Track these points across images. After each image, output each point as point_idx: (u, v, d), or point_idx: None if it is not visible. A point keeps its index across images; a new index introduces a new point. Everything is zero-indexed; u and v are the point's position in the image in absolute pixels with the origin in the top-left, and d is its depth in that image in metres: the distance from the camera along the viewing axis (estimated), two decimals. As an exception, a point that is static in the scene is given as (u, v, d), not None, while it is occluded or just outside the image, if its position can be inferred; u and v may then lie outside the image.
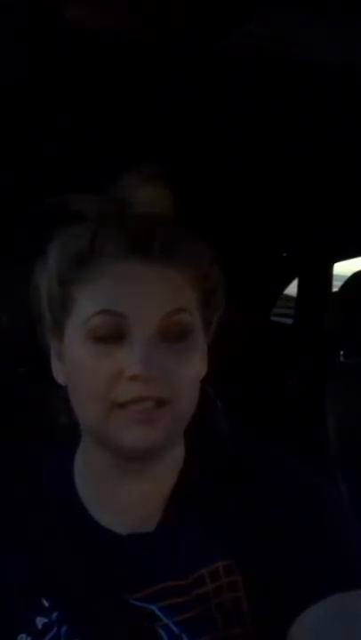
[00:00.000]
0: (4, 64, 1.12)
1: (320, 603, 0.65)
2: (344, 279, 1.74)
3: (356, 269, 1.68)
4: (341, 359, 1.79)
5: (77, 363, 0.71)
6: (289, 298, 2.78)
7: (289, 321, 2.79)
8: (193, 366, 0.72)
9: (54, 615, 0.74)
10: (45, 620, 0.73)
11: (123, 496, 0.75)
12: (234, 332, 0.78)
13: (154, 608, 0.72)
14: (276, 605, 0.68)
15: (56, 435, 0.82)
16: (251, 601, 0.71)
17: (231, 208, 1.98)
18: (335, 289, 2.26)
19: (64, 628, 0.73)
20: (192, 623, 0.70)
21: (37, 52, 1.09)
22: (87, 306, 0.70)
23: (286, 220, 2.19)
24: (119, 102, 1.29)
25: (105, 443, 0.72)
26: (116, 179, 0.74)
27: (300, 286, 2.64)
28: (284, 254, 2.60)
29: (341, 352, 1.80)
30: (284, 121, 1.43)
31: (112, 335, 0.69)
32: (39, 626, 0.73)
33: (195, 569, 0.72)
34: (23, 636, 0.74)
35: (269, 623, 0.69)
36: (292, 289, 2.72)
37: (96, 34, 1.04)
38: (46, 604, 0.74)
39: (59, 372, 0.76)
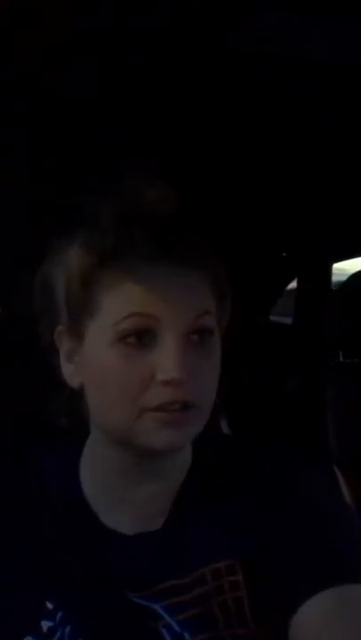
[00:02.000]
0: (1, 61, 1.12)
1: (318, 595, 0.66)
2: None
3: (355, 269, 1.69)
4: (341, 359, 1.79)
5: (104, 366, 0.70)
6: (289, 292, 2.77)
7: (288, 320, 2.79)
8: (215, 369, 0.72)
9: (58, 617, 0.74)
10: (50, 623, 0.74)
11: (133, 496, 0.76)
12: (233, 332, 0.78)
13: (157, 607, 0.72)
14: (278, 604, 0.68)
15: (57, 436, 0.82)
16: (252, 600, 0.71)
17: (230, 208, 1.98)
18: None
19: (68, 629, 0.73)
20: (194, 622, 0.71)
21: (35, 48, 1.09)
22: (116, 308, 0.69)
23: (286, 220, 2.19)
24: (119, 104, 1.29)
25: (129, 444, 0.71)
26: (118, 180, 0.74)
27: (299, 286, 2.63)
28: (284, 254, 2.60)
29: (341, 352, 1.80)
30: (283, 121, 1.43)
31: (143, 338, 0.68)
32: (44, 629, 0.74)
33: (197, 568, 0.72)
34: (29, 638, 0.74)
35: (271, 622, 0.69)
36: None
37: (95, 38, 1.04)
38: (50, 605, 0.74)
39: (72, 375, 0.75)
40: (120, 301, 0.69)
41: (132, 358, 0.68)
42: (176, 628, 0.71)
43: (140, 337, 0.69)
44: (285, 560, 0.70)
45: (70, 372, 0.75)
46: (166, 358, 0.68)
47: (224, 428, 1.17)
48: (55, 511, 0.79)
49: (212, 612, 0.71)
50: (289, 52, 1.14)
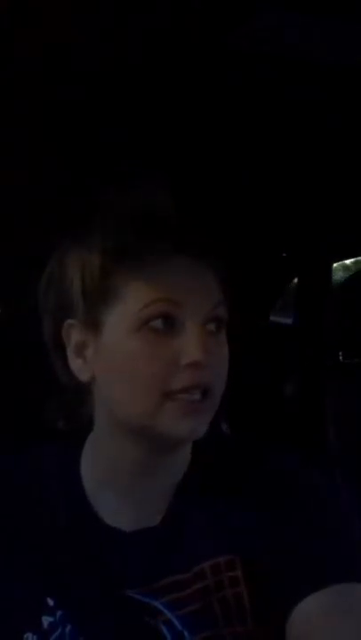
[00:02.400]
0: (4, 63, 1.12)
1: (316, 594, 0.67)
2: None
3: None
4: (341, 359, 1.79)
5: (128, 353, 0.71)
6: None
7: (289, 320, 2.79)
8: (226, 360, 0.75)
9: (58, 614, 0.74)
10: (51, 619, 0.74)
11: (134, 493, 0.76)
12: (233, 332, 0.79)
13: (156, 603, 0.72)
14: (277, 602, 0.69)
15: (57, 436, 0.82)
16: (251, 597, 0.71)
17: (230, 208, 1.98)
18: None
19: (68, 627, 0.73)
20: (194, 617, 0.71)
21: (35, 48, 1.09)
22: (140, 296, 0.71)
23: (286, 220, 2.19)
24: (119, 104, 1.29)
25: (149, 434, 0.72)
26: (127, 180, 0.76)
27: (299, 286, 2.63)
28: (284, 254, 2.60)
29: (341, 352, 1.80)
30: (283, 121, 1.43)
31: (167, 324, 0.71)
32: (45, 625, 0.74)
33: (196, 563, 0.73)
34: (29, 634, 0.74)
35: (270, 618, 0.69)
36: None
37: (95, 38, 1.04)
38: (51, 602, 0.75)
39: (81, 369, 0.75)
40: (144, 289, 0.71)
41: (157, 343, 0.70)
42: (176, 624, 0.71)
43: (165, 323, 0.71)
44: (284, 559, 0.70)
45: (79, 367, 0.75)
46: (190, 343, 0.70)
47: (224, 427, 1.17)
48: (55, 509, 0.79)
49: (211, 608, 0.71)
50: (289, 52, 1.14)
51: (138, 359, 0.70)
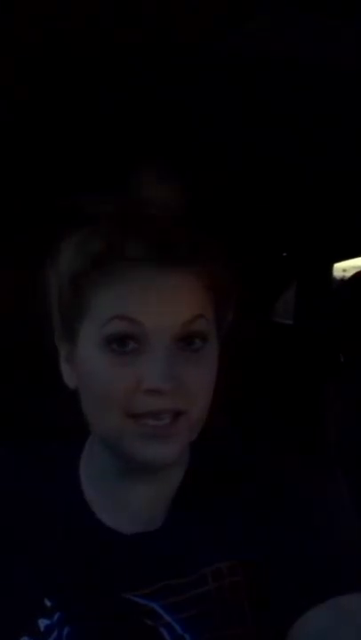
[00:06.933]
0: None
1: (320, 606, 0.66)
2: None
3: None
4: (341, 359, 1.79)
5: (92, 370, 0.69)
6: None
7: (289, 320, 2.79)
8: (209, 374, 0.70)
9: (56, 616, 0.74)
10: (47, 621, 0.74)
11: (131, 498, 0.75)
12: (233, 332, 0.78)
13: (156, 606, 0.72)
14: (278, 606, 0.68)
15: (57, 436, 0.82)
16: (252, 601, 0.71)
17: (231, 208, 1.98)
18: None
19: (66, 630, 0.73)
20: (194, 622, 0.71)
21: (38, 51, 1.09)
22: (103, 310, 0.68)
23: (287, 220, 2.19)
24: (123, 103, 1.29)
25: (118, 451, 0.70)
26: (124, 178, 0.73)
27: (299, 286, 2.64)
28: (284, 254, 2.60)
29: (341, 352, 1.80)
30: (283, 121, 1.43)
31: (128, 343, 0.67)
32: (41, 628, 0.73)
33: (197, 568, 0.72)
34: (25, 638, 0.74)
35: (270, 624, 0.69)
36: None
37: (95, 37, 1.04)
38: (48, 603, 0.74)
39: (69, 377, 0.75)
40: (107, 303, 0.68)
41: (118, 364, 0.67)
42: (176, 627, 0.71)
43: (124, 344, 0.67)
44: (286, 565, 0.70)
45: (68, 375, 0.75)
46: (151, 366, 0.66)
47: (224, 428, 1.17)
48: (54, 510, 0.79)
49: (212, 612, 0.71)
50: (289, 52, 1.14)
51: (98, 378, 0.68)
